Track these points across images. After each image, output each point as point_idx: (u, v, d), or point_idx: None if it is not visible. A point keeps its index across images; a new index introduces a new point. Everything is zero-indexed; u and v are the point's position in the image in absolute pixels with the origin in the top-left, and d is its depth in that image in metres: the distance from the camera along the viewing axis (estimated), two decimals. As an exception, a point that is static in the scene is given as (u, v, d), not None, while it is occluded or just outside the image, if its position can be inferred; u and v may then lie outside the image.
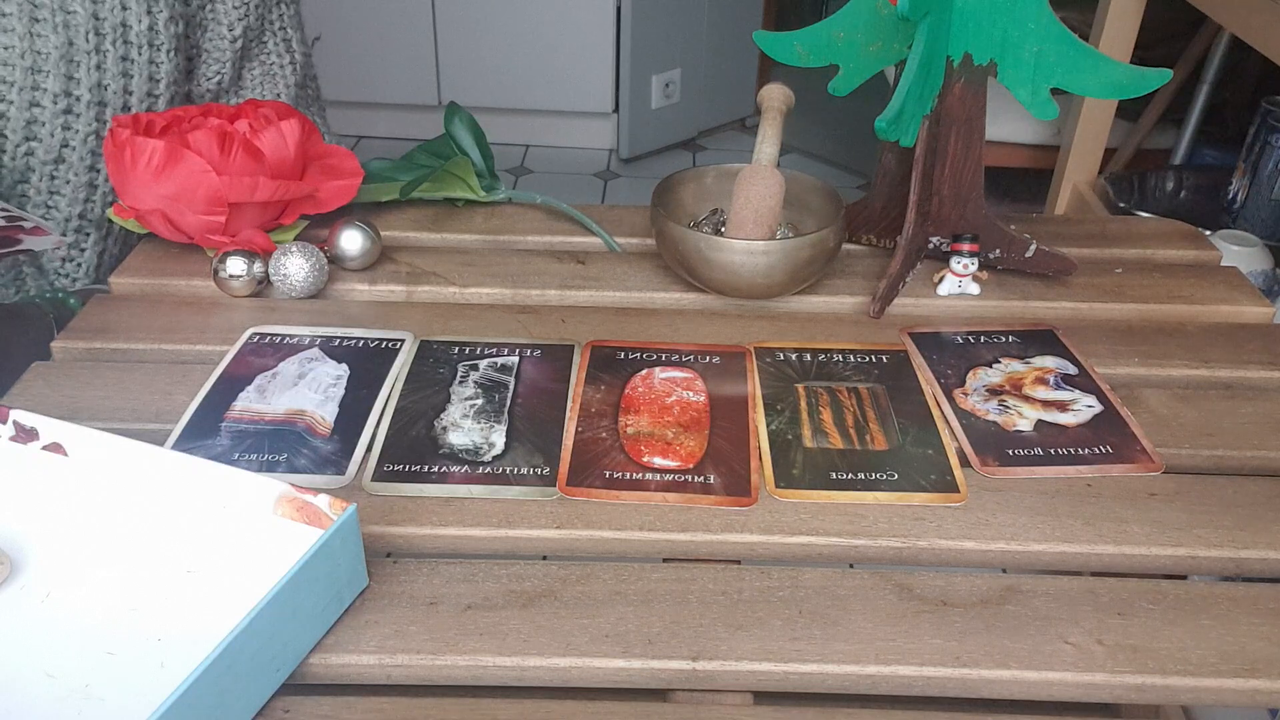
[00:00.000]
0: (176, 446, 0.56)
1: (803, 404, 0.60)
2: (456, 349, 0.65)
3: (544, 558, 0.51)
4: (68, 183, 0.78)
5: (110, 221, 0.83)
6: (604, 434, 0.57)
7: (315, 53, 0.96)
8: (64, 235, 0.80)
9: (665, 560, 0.52)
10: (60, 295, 0.76)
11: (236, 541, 0.49)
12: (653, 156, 2.55)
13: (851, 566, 0.51)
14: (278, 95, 0.90)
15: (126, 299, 0.70)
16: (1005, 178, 1.87)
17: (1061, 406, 0.61)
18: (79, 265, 0.83)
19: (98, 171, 0.79)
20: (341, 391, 0.60)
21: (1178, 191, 1.61)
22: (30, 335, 0.69)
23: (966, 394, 0.62)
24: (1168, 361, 0.66)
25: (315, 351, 0.64)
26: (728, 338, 0.67)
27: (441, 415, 0.59)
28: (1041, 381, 0.63)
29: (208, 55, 0.84)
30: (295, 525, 0.49)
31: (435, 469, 0.55)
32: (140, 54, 0.76)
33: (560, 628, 0.47)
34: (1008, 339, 0.67)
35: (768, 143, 0.70)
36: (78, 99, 0.75)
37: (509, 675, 0.46)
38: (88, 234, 0.82)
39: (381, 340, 0.65)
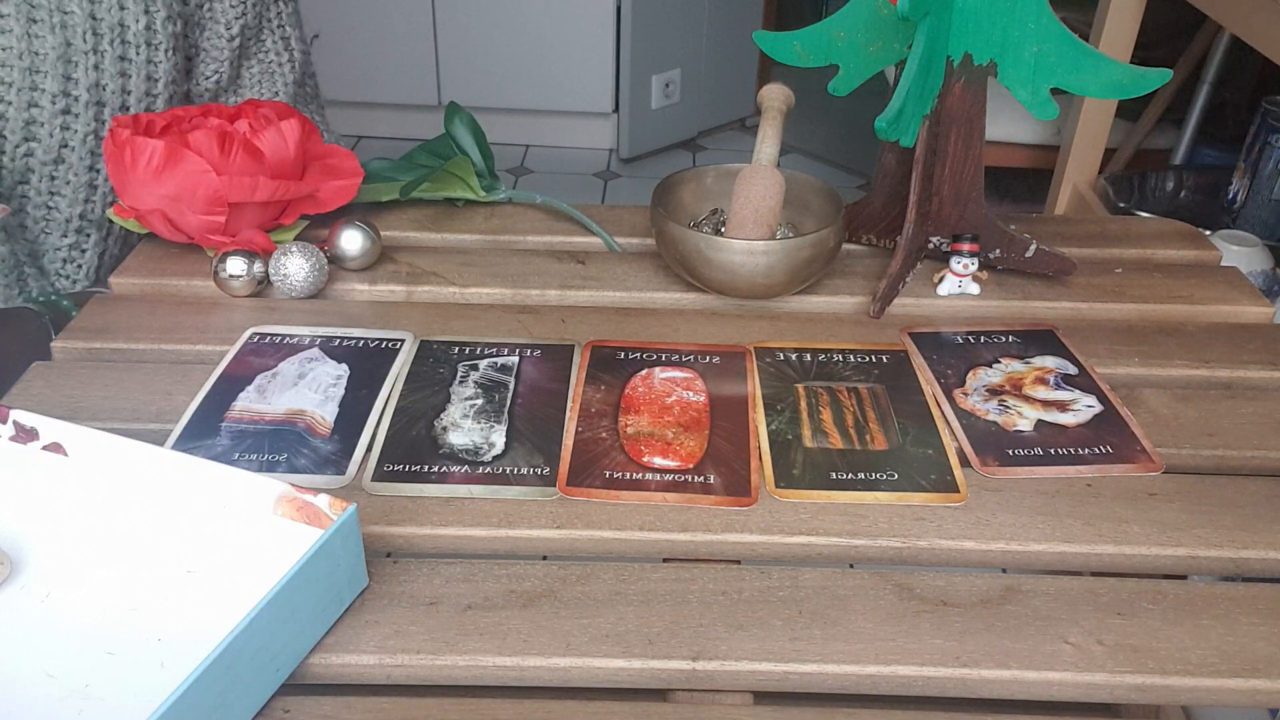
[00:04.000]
0: (176, 446, 0.56)
1: (803, 404, 0.60)
2: (456, 349, 0.65)
3: (544, 558, 0.51)
4: (68, 183, 0.78)
5: (111, 222, 0.83)
6: (604, 434, 0.57)
7: (315, 52, 0.96)
8: (64, 236, 0.80)
9: (665, 560, 0.52)
10: (55, 298, 0.76)
11: (236, 541, 0.49)
12: (653, 156, 2.55)
13: (851, 566, 0.51)
14: (276, 94, 0.90)
15: (126, 299, 0.70)
16: (1005, 178, 1.87)
17: (1061, 406, 0.61)
18: (80, 266, 0.83)
19: (97, 172, 0.79)
20: (341, 391, 0.60)
21: (1178, 191, 1.61)
22: (26, 339, 0.69)
23: (966, 394, 0.62)
24: (1168, 361, 0.66)
25: (315, 351, 0.64)
26: (728, 338, 0.67)
27: (441, 415, 0.59)
28: (1041, 381, 0.63)
29: (206, 54, 0.84)
30: (295, 525, 0.49)
31: (435, 469, 0.55)
32: (138, 54, 0.76)
33: (560, 628, 0.47)
34: (1008, 339, 0.67)
35: (768, 143, 0.70)
36: (76, 99, 0.75)
37: (509, 675, 0.46)
38: (88, 234, 0.82)
39: (381, 340, 0.65)
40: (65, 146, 0.76)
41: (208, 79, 0.85)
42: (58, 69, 0.73)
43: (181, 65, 0.82)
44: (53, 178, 0.77)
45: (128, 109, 0.79)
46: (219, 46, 0.84)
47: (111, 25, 0.75)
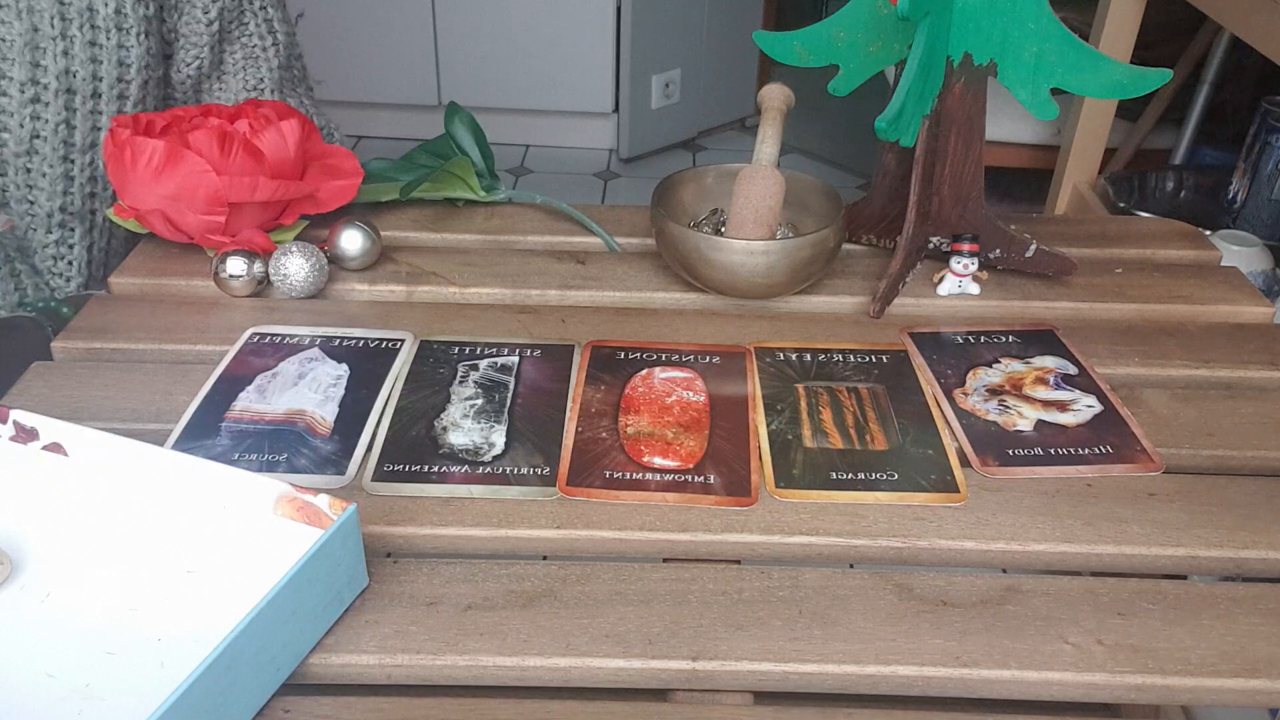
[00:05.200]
0: (176, 446, 0.56)
1: (803, 404, 0.60)
2: (456, 349, 0.65)
3: (544, 558, 0.51)
4: (43, 175, 0.76)
5: (94, 215, 0.82)
6: (604, 434, 0.57)
7: (315, 49, 0.94)
8: (49, 231, 0.80)
9: (665, 560, 0.52)
10: (54, 305, 0.76)
11: (236, 541, 0.49)
12: (653, 156, 2.55)
13: (851, 566, 0.51)
14: (260, 79, 0.88)
15: (126, 299, 0.70)
16: (1005, 178, 1.87)
17: (1061, 406, 0.61)
18: (70, 263, 0.82)
19: (72, 162, 0.78)
20: (341, 391, 0.60)
21: (1178, 191, 1.61)
22: (27, 350, 0.69)
23: (966, 394, 0.62)
24: (1168, 361, 0.66)
25: (315, 351, 0.64)
26: (728, 338, 0.67)
27: (441, 415, 0.59)
28: (1041, 381, 0.63)
29: (185, 40, 0.82)
30: (295, 525, 0.49)
31: (435, 469, 0.55)
32: (108, 39, 0.74)
33: (560, 628, 0.47)
34: (1008, 339, 0.67)
35: (768, 143, 0.70)
36: (45, 87, 0.73)
37: (509, 675, 0.46)
38: (73, 228, 0.80)
39: (381, 340, 0.65)
40: (37, 137, 0.75)
41: (189, 65, 0.83)
42: (25, 56, 0.71)
43: (156, 51, 0.80)
44: (27, 170, 0.76)
45: (99, 96, 0.77)
46: (198, 31, 0.82)
47: (80, 10, 0.73)
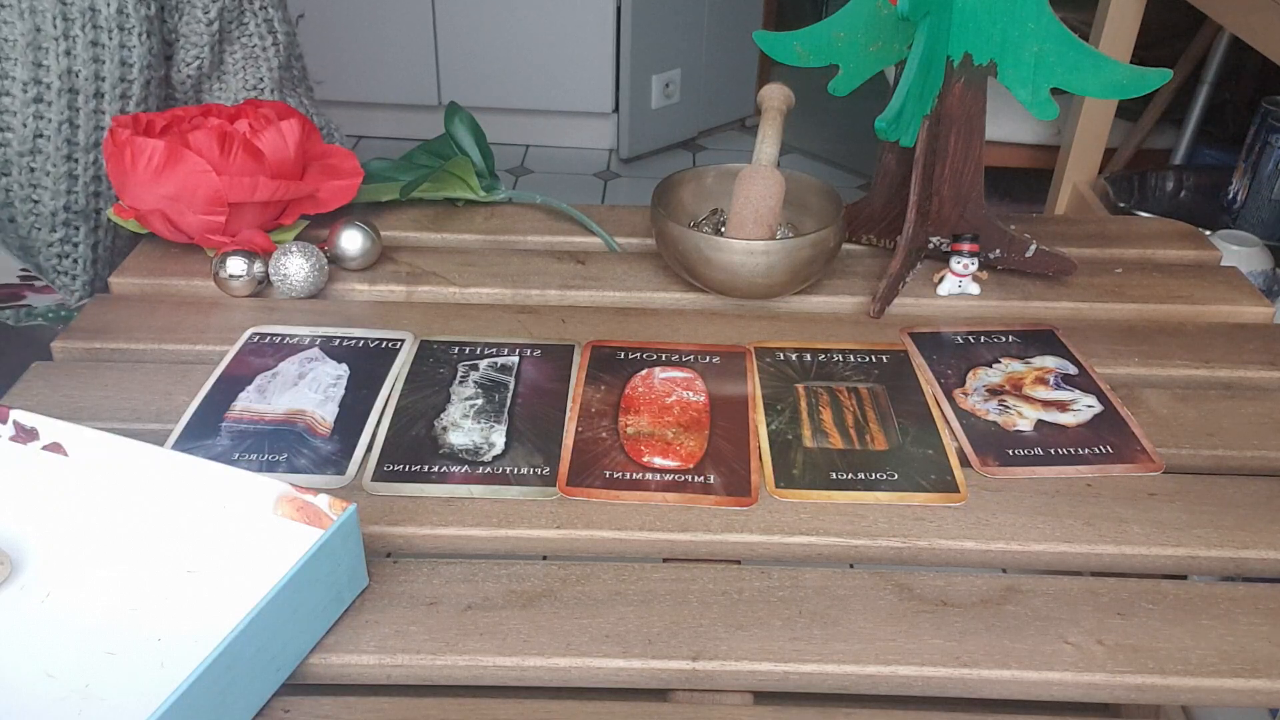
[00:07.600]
0: (176, 446, 0.56)
1: (803, 404, 0.60)
2: (456, 349, 0.65)
3: (544, 558, 0.51)
4: (47, 174, 0.76)
5: (98, 214, 0.82)
6: (604, 434, 0.57)
7: (315, 49, 0.94)
8: (53, 230, 0.80)
9: (665, 560, 0.52)
10: (68, 314, 0.76)
11: (236, 541, 0.49)
12: (653, 156, 2.55)
13: (851, 566, 0.51)
14: (260, 79, 0.88)
15: (126, 299, 0.70)
16: (1005, 178, 1.87)
17: (1061, 406, 0.61)
18: (75, 261, 0.82)
19: (75, 161, 0.78)
20: (341, 391, 0.60)
21: (1178, 191, 1.61)
22: (39, 356, 0.69)
23: (966, 394, 0.62)
24: (1168, 361, 0.66)
25: (315, 351, 0.64)
26: (728, 338, 0.67)
27: (441, 415, 0.59)
28: (1041, 381, 0.63)
29: (185, 40, 0.82)
30: (295, 525, 0.49)
31: (435, 469, 0.55)
32: (110, 38, 0.74)
33: (560, 628, 0.47)
34: (1008, 339, 0.67)
35: (768, 143, 0.70)
36: (48, 86, 0.73)
37: (509, 675, 0.46)
38: (77, 227, 0.80)
39: (381, 340, 0.65)
40: (40, 136, 0.75)
41: (189, 65, 0.83)
42: (27, 56, 0.71)
43: (158, 50, 0.80)
44: (31, 169, 0.76)
45: (102, 95, 0.77)
46: (198, 31, 0.81)
47: (82, 9, 0.73)
